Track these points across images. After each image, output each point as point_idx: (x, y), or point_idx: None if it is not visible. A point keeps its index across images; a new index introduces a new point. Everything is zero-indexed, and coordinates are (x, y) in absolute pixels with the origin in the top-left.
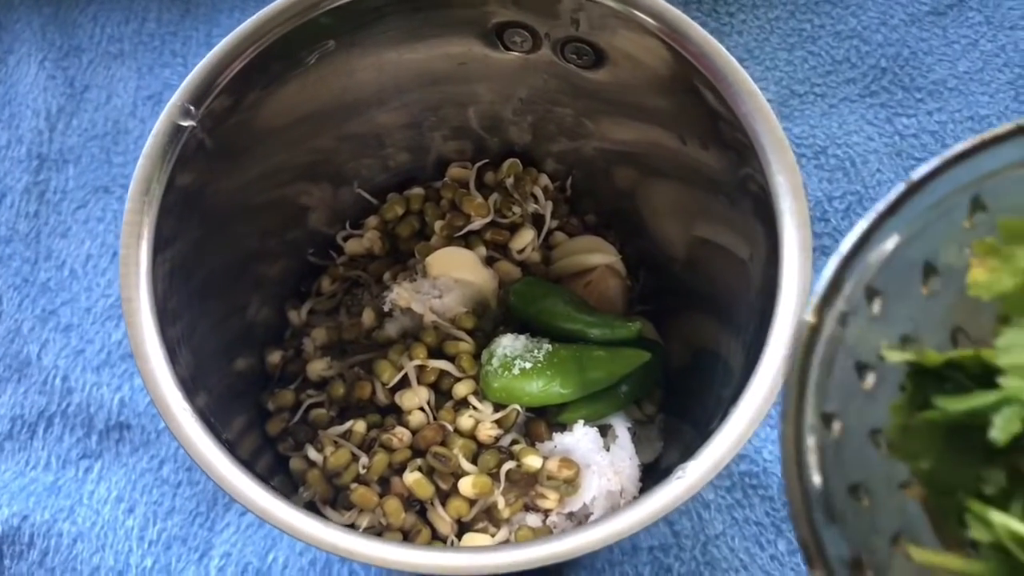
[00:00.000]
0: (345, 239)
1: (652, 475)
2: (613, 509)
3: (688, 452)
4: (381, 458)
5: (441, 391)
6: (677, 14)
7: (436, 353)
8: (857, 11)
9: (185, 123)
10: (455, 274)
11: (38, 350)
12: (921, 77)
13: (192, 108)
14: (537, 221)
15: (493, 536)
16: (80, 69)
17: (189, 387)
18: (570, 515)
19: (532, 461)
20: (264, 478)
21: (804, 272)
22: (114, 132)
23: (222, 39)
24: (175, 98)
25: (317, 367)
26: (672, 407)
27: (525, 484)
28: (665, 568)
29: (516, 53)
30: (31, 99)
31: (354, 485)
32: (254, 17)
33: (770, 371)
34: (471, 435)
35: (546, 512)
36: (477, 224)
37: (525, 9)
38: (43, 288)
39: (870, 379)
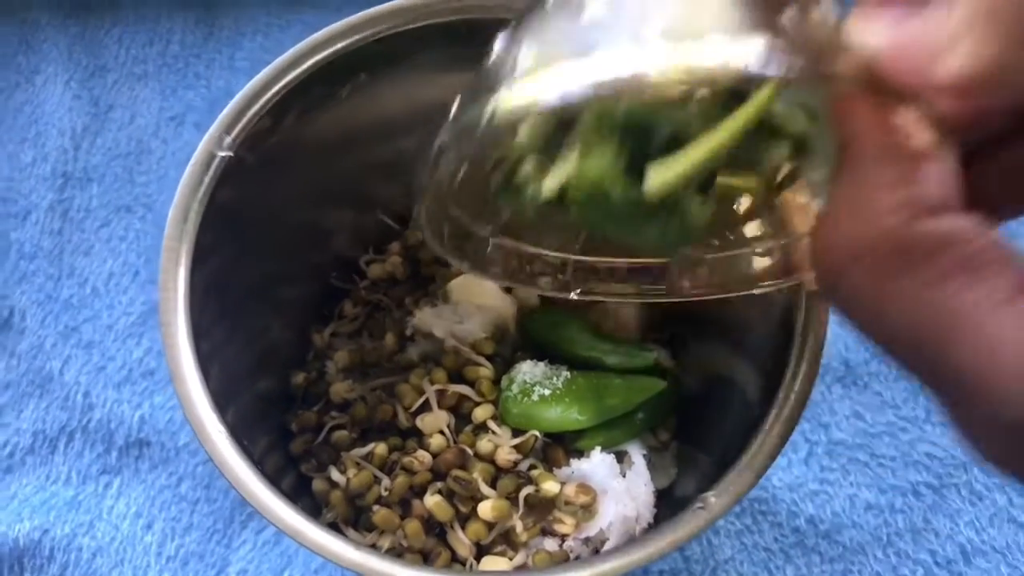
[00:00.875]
0: (368, 263)
1: (665, 501)
2: (628, 534)
3: (703, 479)
4: (402, 480)
5: (461, 415)
6: None
7: (456, 378)
8: None
9: (222, 153)
10: (476, 300)
11: (60, 366)
12: None
13: (229, 138)
14: None
15: (511, 559)
16: (105, 89)
17: (221, 406)
18: (586, 540)
19: (550, 486)
20: (287, 496)
21: (824, 304)
22: (137, 152)
23: (245, 62)
24: (213, 129)
25: (340, 389)
26: (686, 435)
27: (543, 509)
28: None
29: None
30: (56, 118)
31: (376, 507)
32: (292, 50)
33: (788, 403)
34: (490, 459)
35: (563, 537)
36: None
37: None
38: (66, 305)
39: None
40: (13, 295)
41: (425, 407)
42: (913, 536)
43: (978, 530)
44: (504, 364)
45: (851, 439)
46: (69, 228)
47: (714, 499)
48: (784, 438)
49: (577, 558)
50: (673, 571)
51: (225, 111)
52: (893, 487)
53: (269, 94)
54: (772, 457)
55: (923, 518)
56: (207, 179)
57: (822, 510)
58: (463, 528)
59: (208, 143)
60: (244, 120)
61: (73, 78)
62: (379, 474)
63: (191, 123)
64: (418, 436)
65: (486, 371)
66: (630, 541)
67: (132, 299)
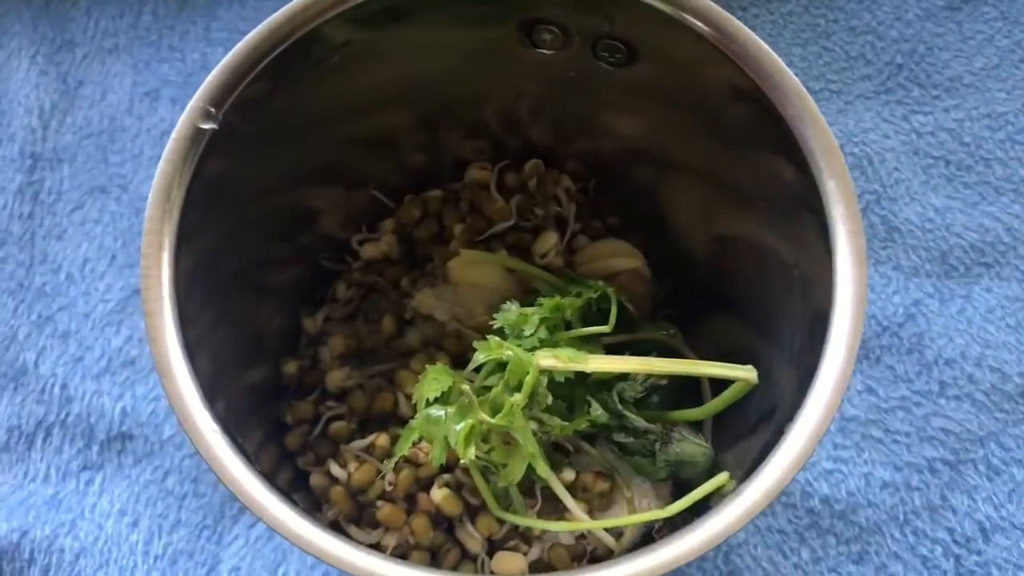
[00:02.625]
0: (361, 243)
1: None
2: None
3: (731, 464)
4: (407, 474)
5: None
6: (721, 12)
7: (459, 362)
8: (871, 6)
9: (206, 126)
10: (476, 280)
11: (35, 358)
12: (937, 73)
13: (213, 110)
14: (559, 224)
15: (525, 555)
16: (74, 64)
17: (211, 400)
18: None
19: (565, 474)
20: (287, 495)
21: (859, 283)
22: (110, 130)
23: (222, 33)
24: (195, 100)
25: (336, 378)
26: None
27: (557, 499)
28: None
29: (543, 51)
30: (23, 95)
31: (380, 503)
32: (273, 16)
33: (828, 388)
34: None
35: None
36: (499, 227)
37: (563, 5)
38: (39, 293)
39: None
40: None
41: None
42: (930, 514)
43: (996, 506)
44: None
45: (864, 415)
46: (40, 212)
47: (752, 489)
48: (824, 424)
49: (594, 550)
50: None
51: (205, 83)
52: (909, 464)
53: (253, 63)
54: (812, 443)
55: (940, 495)
56: (191, 155)
57: (836, 489)
58: (473, 522)
59: (190, 116)
60: (227, 91)
61: (39, 53)
62: (382, 467)
63: (167, 98)
64: None
65: None
66: (655, 539)
67: (109, 285)
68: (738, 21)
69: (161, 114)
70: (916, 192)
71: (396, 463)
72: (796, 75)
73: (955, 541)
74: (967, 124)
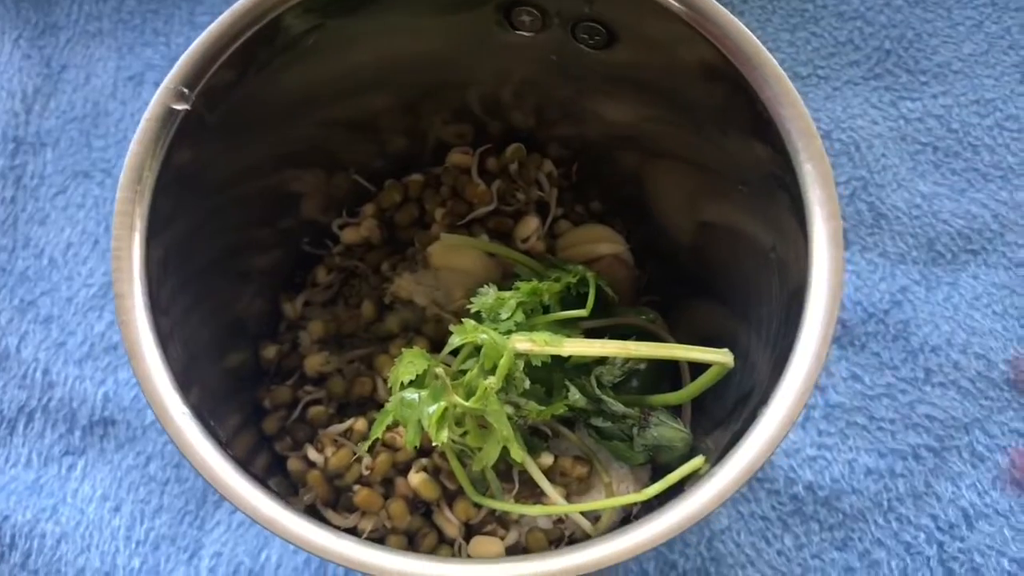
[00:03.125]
0: (341, 227)
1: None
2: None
3: (710, 450)
4: (384, 458)
5: None
6: None
7: (439, 347)
8: None
9: (179, 107)
10: (457, 264)
11: (17, 342)
12: (926, 59)
13: (186, 91)
14: (541, 209)
15: (502, 539)
16: (57, 48)
17: (185, 384)
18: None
19: (543, 459)
20: (262, 480)
21: (835, 266)
22: (93, 114)
23: (206, 17)
24: (168, 81)
25: (315, 362)
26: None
27: (535, 483)
28: (670, 564)
29: (522, 33)
30: (5, 79)
31: (357, 487)
32: (235, 5)
33: (802, 370)
34: None
35: None
36: (480, 212)
37: None
38: (21, 278)
39: None
40: None
41: None
42: (914, 501)
43: (980, 493)
44: None
45: (849, 402)
46: (23, 196)
47: (724, 472)
48: (798, 407)
49: (572, 535)
50: (668, 542)
51: (177, 64)
52: (893, 451)
53: (227, 43)
54: (786, 427)
55: (924, 482)
56: (163, 136)
57: (820, 476)
58: (451, 507)
59: (162, 96)
60: (199, 72)
61: (22, 36)
62: (360, 451)
63: (151, 83)
64: None
65: None
66: (632, 523)
67: (92, 270)
68: (717, 2)
69: (145, 98)
70: (903, 178)
71: (373, 447)
72: (784, 61)
73: (939, 528)
74: (955, 110)
